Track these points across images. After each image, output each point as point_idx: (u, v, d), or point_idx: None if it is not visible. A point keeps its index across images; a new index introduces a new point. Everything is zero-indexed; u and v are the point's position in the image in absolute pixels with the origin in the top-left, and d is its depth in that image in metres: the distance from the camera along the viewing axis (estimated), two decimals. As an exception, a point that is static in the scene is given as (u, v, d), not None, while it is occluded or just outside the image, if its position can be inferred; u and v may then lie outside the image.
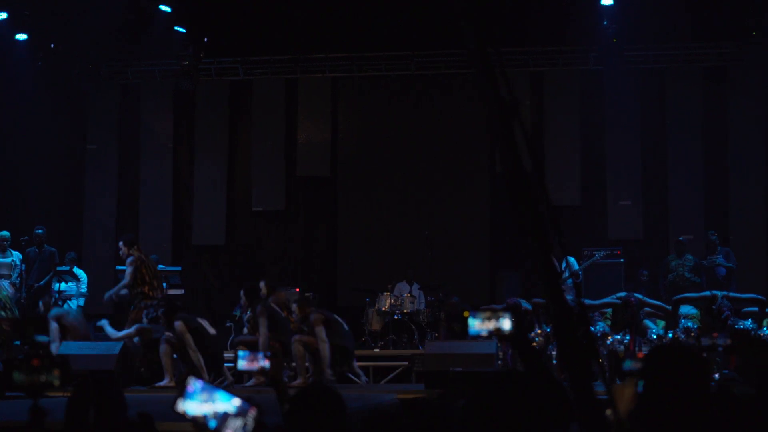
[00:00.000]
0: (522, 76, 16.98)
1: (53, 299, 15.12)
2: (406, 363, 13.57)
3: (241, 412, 3.22)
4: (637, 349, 11.23)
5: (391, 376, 13.68)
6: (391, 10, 16.27)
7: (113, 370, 11.67)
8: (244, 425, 3.20)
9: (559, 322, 2.79)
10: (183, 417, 3.29)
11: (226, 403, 3.23)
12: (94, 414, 3.57)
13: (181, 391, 3.27)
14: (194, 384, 3.28)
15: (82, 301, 15.74)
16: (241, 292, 12.78)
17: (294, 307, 12.42)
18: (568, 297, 2.89)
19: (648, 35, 16.65)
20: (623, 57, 16.75)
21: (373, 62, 17.90)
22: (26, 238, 15.54)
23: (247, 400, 3.23)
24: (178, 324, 12.02)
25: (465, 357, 11.13)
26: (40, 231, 15.67)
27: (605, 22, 16.59)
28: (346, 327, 12.57)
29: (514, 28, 16.21)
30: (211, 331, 12.47)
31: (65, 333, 12.72)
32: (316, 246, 18.09)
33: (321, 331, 12.08)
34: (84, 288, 15.91)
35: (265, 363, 4.48)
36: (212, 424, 3.20)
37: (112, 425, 3.58)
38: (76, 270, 16.04)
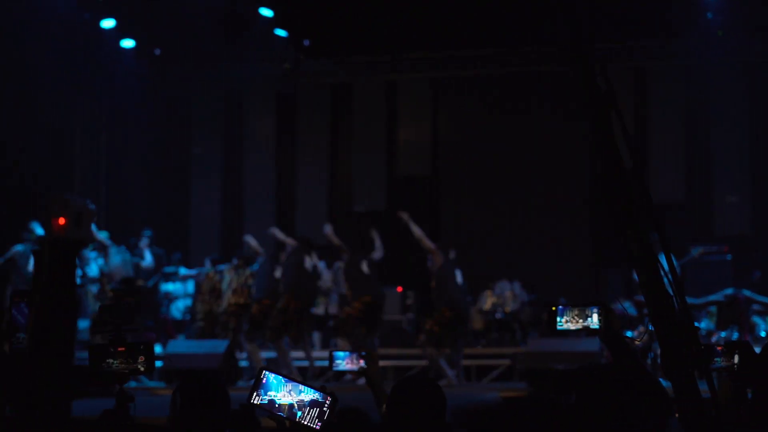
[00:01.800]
0: (625, 72, 16.74)
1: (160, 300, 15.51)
2: (509, 361, 13.51)
3: (317, 402, 3.32)
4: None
5: (493, 374, 13.64)
6: (488, 8, 16.18)
7: (218, 368, 11.90)
8: (321, 413, 3.29)
9: (659, 319, 2.75)
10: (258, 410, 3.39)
11: (308, 394, 3.33)
12: (199, 408, 3.65)
13: (257, 384, 3.37)
14: (269, 376, 3.38)
15: (189, 301, 16.04)
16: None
17: (433, 246, 13.45)
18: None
19: (753, 28, 16.25)
20: (728, 50, 16.38)
21: (471, 61, 17.84)
22: (135, 240, 15.90)
23: (322, 389, 3.33)
24: None
25: (568, 355, 11.05)
26: (148, 233, 16.02)
27: (709, 15, 16.24)
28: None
29: (617, 23, 15.97)
30: None
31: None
32: (417, 245, 18.08)
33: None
34: (190, 289, 16.20)
35: (363, 363, 4.52)
36: (298, 414, 3.29)
37: (216, 418, 3.66)
38: (183, 271, 16.36)
